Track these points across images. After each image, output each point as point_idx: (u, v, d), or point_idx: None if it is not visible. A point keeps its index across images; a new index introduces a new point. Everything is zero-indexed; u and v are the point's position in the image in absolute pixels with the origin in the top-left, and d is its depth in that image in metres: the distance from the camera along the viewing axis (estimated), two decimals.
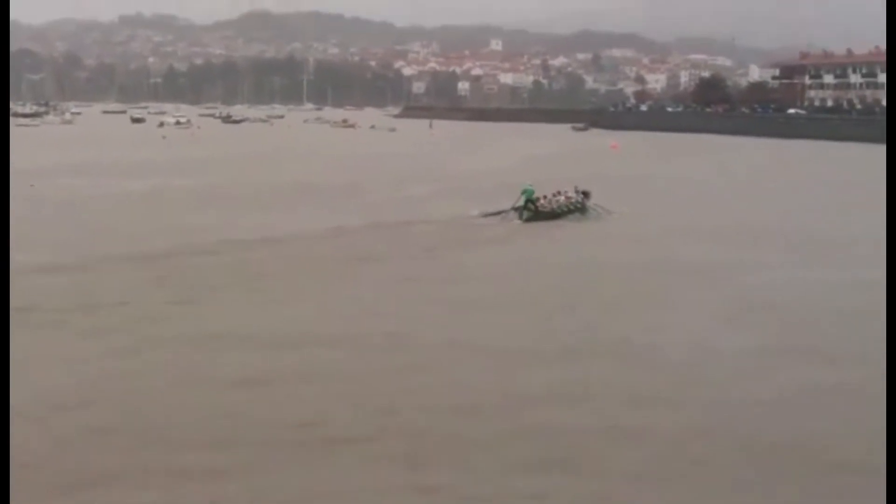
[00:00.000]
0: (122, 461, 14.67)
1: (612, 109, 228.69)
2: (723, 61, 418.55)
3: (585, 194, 46.13)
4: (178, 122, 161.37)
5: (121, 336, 21.70)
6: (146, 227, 39.62)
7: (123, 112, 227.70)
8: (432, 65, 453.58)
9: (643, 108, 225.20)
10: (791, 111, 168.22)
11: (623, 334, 23.08)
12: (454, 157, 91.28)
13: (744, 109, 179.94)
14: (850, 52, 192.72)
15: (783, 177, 74.50)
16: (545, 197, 44.77)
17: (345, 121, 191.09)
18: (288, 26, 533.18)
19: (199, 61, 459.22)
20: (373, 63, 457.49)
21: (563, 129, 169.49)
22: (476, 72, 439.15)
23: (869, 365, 19.61)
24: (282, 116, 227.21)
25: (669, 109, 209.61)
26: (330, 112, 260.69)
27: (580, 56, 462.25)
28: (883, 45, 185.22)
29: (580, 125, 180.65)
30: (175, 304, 25.19)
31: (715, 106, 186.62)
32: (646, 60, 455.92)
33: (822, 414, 17.58)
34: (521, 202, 43.67)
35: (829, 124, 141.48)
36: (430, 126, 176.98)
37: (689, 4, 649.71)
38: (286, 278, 29.56)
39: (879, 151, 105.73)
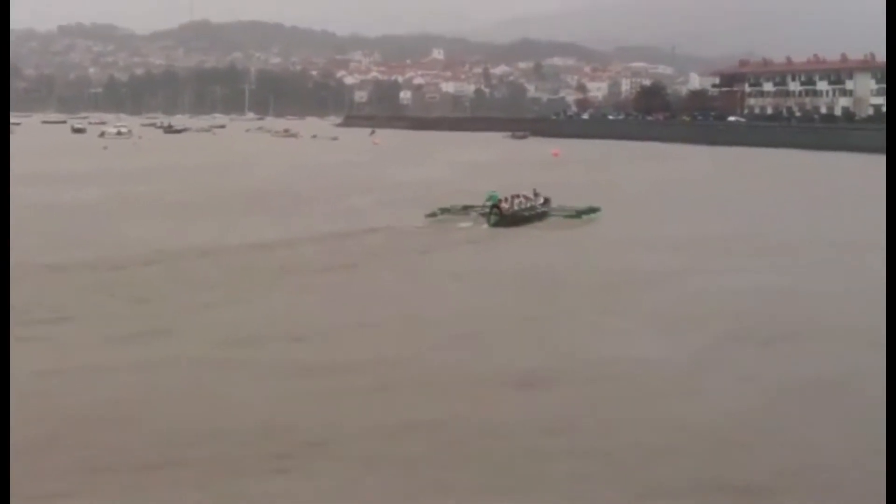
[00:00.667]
0: None
1: (553, 118, 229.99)
2: (663, 69, 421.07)
3: (546, 200, 46.64)
4: (119, 133, 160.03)
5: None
6: (86, 237, 39.36)
7: (64, 122, 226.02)
8: (374, 74, 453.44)
9: (585, 116, 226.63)
10: (731, 119, 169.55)
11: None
12: (397, 167, 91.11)
13: (684, 117, 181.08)
14: (789, 60, 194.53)
15: (730, 183, 74.90)
16: (506, 199, 44.78)
17: (286, 130, 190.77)
18: (228, 36, 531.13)
19: (139, 71, 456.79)
20: (314, 72, 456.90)
21: (503, 138, 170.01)
22: (418, 81, 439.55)
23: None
24: (223, 126, 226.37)
25: (611, 117, 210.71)
26: (272, 122, 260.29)
27: (521, 65, 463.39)
28: (822, 54, 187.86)
29: (519, 133, 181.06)
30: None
31: (656, 114, 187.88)
32: (587, 69, 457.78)
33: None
34: (488, 207, 44.06)
35: (769, 132, 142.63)
36: (372, 134, 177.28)
37: (629, 14, 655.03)
38: (221, 288, 29.31)
39: (818, 157, 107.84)
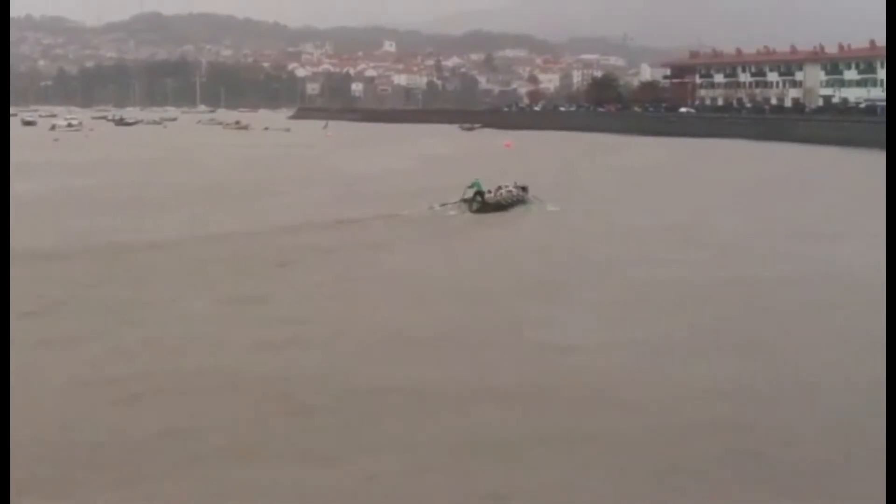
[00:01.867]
0: None
1: (505, 110, 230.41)
2: (615, 61, 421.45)
3: (524, 189, 49.99)
4: (69, 125, 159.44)
5: None
6: (40, 228, 39.46)
7: (14, 115, 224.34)
8: (326, 66, 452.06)
9: (537, 108, 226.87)
10: (682, 110, 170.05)
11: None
12: (352, 159, 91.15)
13: (636, 108, 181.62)
14: (739, 51, 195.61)
15: (681, 173, 75.58)
16: (489, 191, 47.87)
17: (237, 122, 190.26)
18: (179, 28, 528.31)
19: (89, 64, 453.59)
20: (266, 65, 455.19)
21: (453, 129, 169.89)
22: (370, 73, 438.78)
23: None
24: (175, 119, 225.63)
25: (563, 109, 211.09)
26: (223, 114, 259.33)
27: (473, 57, 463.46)
28: (772, 45, 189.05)
29: (467, 125, 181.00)
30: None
31: (608, 105, 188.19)
32: (539, 61, 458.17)
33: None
34: (470, 195, 47.14)
35: (720, 123, 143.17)
36: (325, 127, 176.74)
37: (580, 5, 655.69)
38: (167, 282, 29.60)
39: (768, 148, 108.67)
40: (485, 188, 47.78)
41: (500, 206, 47.42)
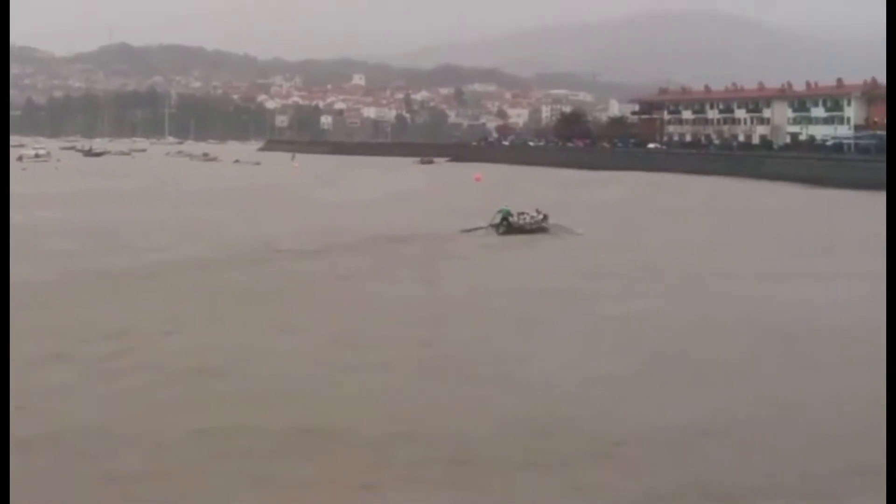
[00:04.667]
0: None
1: (474, 144, 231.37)
2: (584, 96, 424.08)
3: (545, 217, 54.66)
4: (37, 156, 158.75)
5: None
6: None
7: None
8: (295, 98, 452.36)
9: (506, 142, 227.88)
10: (651, 146, 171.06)
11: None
12: (321, 192, 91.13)
13: (604, 144, 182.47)
14: (707, 88, 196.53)
15: (651, 207, 76.35)
16: (513, 216, 53.83)
17: (206, 154, 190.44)
18: (148, 59, 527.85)
19: (58, 94, 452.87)
20: (235, 97, 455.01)
21: (412, 163, 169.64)
22: (339, 105, 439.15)
23: None
24: (144, 150, 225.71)
25: (531, 143, 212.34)
26: (192, 146, 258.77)
27: (442, 91, 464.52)
28: (740, 83, 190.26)
29: (426, 158, 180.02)
30: None
31: (576, 140, 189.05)
32: (508, 95, 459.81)
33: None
34: (498, 219, 53.31)
35: (689, 159, 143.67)
36: (293, 159, 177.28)
37: (549, 41, 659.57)
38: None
39: (737, 184, 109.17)
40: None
41: (524, 230, 52.89)
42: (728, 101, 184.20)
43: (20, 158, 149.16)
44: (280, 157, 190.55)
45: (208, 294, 33.11)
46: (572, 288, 35.30)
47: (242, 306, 31.01)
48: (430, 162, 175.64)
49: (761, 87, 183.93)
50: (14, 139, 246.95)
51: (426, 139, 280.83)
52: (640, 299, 33.04)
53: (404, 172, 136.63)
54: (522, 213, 54.44)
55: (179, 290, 34.10)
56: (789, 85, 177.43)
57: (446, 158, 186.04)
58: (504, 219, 53.32)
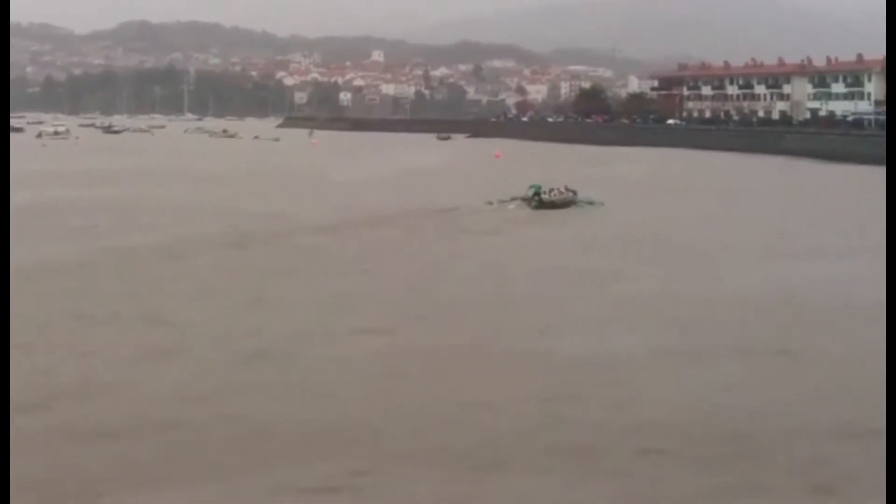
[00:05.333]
0: None
1: (493, 120, 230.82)
2: (603, 72, 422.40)
3: (574, 193, 56.81)
4: (56, 133, 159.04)
5: None
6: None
7: None
8: (314, 75, 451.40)
9: (525, 118, 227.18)
10: (670, 122, 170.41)
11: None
12: (344, 169, 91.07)
13: (623, 120, 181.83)
14: (726, 64, 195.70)
15: (685, 183, 76.50)
16: (545, 192, 55.57)
17: (225, 131, 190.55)
18: (167, 36, 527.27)
19: (77, 71, 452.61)
20: (254, 73, 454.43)
21: (431, 139, 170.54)
22: (358, 82, 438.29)
23: None
24: (163, 127, 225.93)
25: (550, 120, 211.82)
26: (211, 122, 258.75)
27: (461, 67, 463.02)
28: (759, 58, 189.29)
29: (444, 135, 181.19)
30: None
31: (595, 116, 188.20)
32: (527, 72, 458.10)
33: None
34: (531, 194, 55.22)
35: (708, 135, 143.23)
36: (310, 135, 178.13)
37: (569, 16, 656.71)
38: None
39: (757, 160, 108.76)
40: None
41: (555, 205, 54.72)
42: (748, 77, 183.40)
43: (39, 135, 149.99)
44: (299, 134, 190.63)
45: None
46: (607, 267, 35.70)
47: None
48: (448, 138, 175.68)
49: (781, 62, 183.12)
50: (33, 116, 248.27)
51: (445, 116, 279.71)
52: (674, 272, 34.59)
53: (423, 148, 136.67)
54: (552, 189, 56.37)
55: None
56: (809, 60, 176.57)
57: (465, 134, 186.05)
58: (536, 194, 55.32)
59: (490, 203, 55.33)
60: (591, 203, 56.25)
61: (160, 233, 42.28)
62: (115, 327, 24.59)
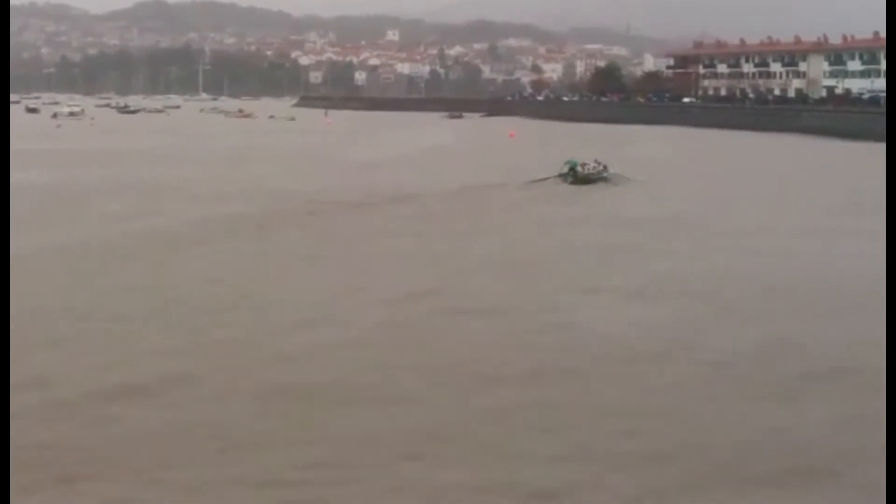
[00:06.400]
0: None
1: (509, 99, 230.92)
2: (618, 51, 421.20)
3: (605, 167, 57.80)
4: (71, 113, 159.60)
5: None
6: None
7: (17, 102, 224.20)
8: (329, 55, 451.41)
9: (540, 97, 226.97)
10: (686, 100, 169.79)
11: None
12: (364, 148, 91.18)
13: (639, 99, 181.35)
14: (742, 41, 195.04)
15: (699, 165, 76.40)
16: (581, 166, 57.05)
17: (241, 111, 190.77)
18: (183, 16, 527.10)
19: (93, 51, 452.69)
20: (269, 53, 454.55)
21: (439, 118, 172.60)
22: (373, 62, 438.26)
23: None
24: (178, 107, 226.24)
25: (566, 99, 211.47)
26: (226, 102, 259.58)
27: (476, 46, 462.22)
28: (775, 36, 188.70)
29: (456, 113, 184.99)
30: None
31: (611, 95, 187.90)
32: (542, 50, 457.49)
33: None
34: (566, 170, 56.80)
35: (724, 113, 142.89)
36: (326, 114, 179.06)
37: None
38: None
39: (774, 139, 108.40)
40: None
41: (590, 180, 56.09)
42: (763, 55, 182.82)
43: (55, 116, 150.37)
44: (314, 114, 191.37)
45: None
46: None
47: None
48: (459, 117, 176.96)
49: (797, 40, 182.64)
50: (48, 97, 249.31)
51: (460, 95, 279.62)
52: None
53: (438, 128, 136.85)
54: (585, 164, 57.59)
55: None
56: (825, 38, 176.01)
57: (481, 113, 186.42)
58: (571, 169, 56.92)
59: (538, 180, 56.31)
60: (624, 178, 57.32)
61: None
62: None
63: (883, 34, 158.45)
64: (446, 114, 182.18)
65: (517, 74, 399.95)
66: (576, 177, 56.45)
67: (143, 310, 24.01)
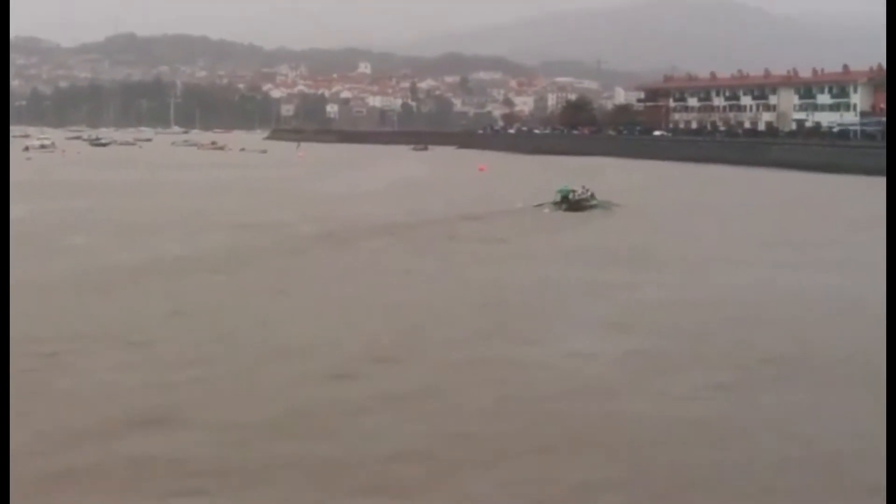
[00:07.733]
0: None
1: (480, 132, 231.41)
2: (589, 84, 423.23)
3: (592, 194, 61.39)
4: (42, 146, 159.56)
5: None
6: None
7: None
8: (301, 87, 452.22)
9: (511, 130, 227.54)
10: (657, 133, 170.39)
11: None
12: (337, 182, 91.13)
13: (610, 131, 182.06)
14: (713, 75, 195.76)
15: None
16: (572, 193, 60.52)
17: (213, 143, 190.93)
18: (154, 49, 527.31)
19: (63, 84, 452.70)
20: (241, 86, 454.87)
21: (406, 150, 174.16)
22: (345, 94, 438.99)
23: None
24: (150, 139, 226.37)
25: (537, 132, 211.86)
26: (198, 135, 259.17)
27: (448, 79, 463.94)
28: (745, 69, 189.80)
29: (421, 145, 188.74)
30: None
31: (582, 128, 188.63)
32: (513, 83, 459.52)
33: None
34: (559, 198, 59.81)
35: (695, 146, 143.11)
36: (298, 147, 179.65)
37: (554, 28, 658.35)
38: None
39: (745, 172, 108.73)
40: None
41: (581, 207, 59.10)
42: (734, 88, 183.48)
43: (26, 149, 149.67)
44: (286, 146, 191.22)
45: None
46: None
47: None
48: (424, 149, 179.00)
49: (767, 73, 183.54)
50: (19, 129, 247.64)
51: (432, 128, 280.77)
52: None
53: (405, 160, 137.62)
54: (574, 191, 60.98)
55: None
56: (795, 72, 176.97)
57: (453, 146, 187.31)
58: (564, 197, 59.99)
59: (539, 205, 59.54)
60: (610, 203, 60.74)
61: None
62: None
63: (852, 68, 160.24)
64: (412, 146, 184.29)
65: (489, 107, 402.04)
66: (569, 203, 59.20)
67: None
